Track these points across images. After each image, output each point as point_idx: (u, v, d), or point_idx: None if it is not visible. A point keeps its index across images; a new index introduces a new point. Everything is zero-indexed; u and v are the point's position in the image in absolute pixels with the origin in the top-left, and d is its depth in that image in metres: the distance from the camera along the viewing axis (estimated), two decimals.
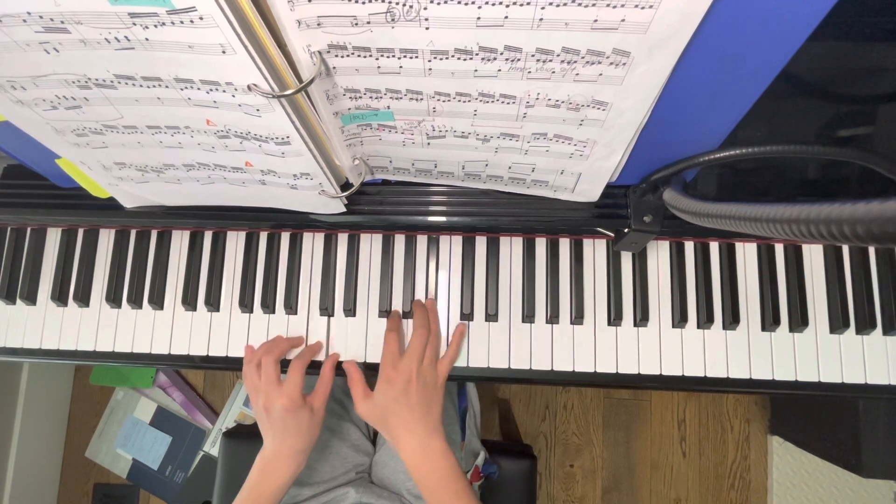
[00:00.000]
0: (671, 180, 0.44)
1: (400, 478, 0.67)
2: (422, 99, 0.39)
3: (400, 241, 0.60)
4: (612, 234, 0.57)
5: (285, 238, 0.61)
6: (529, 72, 0.35)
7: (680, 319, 0.56)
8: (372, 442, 0.75)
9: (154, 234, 0.62)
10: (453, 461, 0.51)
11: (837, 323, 0.55)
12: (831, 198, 0.22)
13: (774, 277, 0.57)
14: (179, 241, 0.62)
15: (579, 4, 0.29)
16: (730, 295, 0.56)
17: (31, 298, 0.61)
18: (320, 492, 0.66)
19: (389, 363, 0.53)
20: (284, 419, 0.52)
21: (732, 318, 0.56)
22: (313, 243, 0.60)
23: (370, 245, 0.60)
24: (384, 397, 0.52)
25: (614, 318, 0.57)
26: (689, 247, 0.58)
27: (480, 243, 0.59)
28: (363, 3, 0.30)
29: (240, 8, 0.31)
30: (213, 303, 0.60)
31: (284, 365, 0.55)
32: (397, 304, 0.58)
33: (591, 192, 0.49)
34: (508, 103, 0.38)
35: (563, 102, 0.38)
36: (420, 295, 0.58)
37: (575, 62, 0.34)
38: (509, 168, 0.47)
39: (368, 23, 0.32)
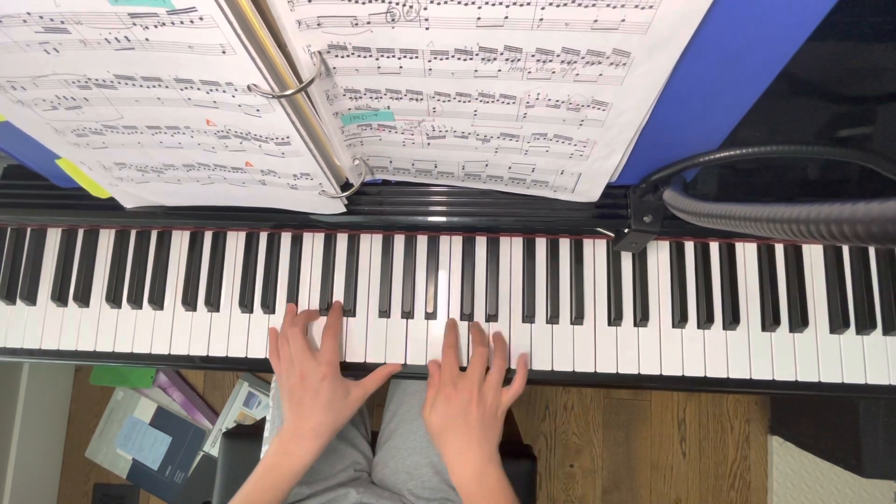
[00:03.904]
0: (671, 180, 0.44)
1: (401, 478, 0.67)
2: (422, 99, 0.39)
3: (400, 241, 0.59)
4: (612, 235, 0.57)
5: (285, 238, 0.61)
6: (529, 72, 0.35)
7: (680, 319, 0.56)
8: (370, 442, 0.75)
9: (154, 234, 0.62)
10: (510, 491, 0.50)
11: (837, 323, 0.55)
12: (831, 198, 0.22)
13: (774, 277, 0.57)
14: (179, 241, 0.62)
15: (579, 4, 0.29)
16: (730, 295, 0.56)
17: (31, 298, 0.61)
18: (320, 490, 0.66)
19: (449, 381, 0.52)
20: (319, 388, 0.51)
21: (732, 318, 0.56)
22: (313, 243, 0.60)
23: (370, 245, 0.60)
24: (441, 415, 0.51)
25: (614, 318, 0.57)
26: (689, 247, 0.58)
27: (480, 243, 0.59)
28: (363, 3, 0.30)
29: (240, 8, 0.31)
30: (213, 303, 0.60)
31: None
32: (397, 304, 0.58)
33: (591, 192, 0.49)
34: (508, 103, 0.38)
35: (563, 103, 0.38)
36: (420, 295, 0.58)
37: (575, 62, 0.34)
38: (509, 168, 0.47)
39: (368, 23, 0.32)
